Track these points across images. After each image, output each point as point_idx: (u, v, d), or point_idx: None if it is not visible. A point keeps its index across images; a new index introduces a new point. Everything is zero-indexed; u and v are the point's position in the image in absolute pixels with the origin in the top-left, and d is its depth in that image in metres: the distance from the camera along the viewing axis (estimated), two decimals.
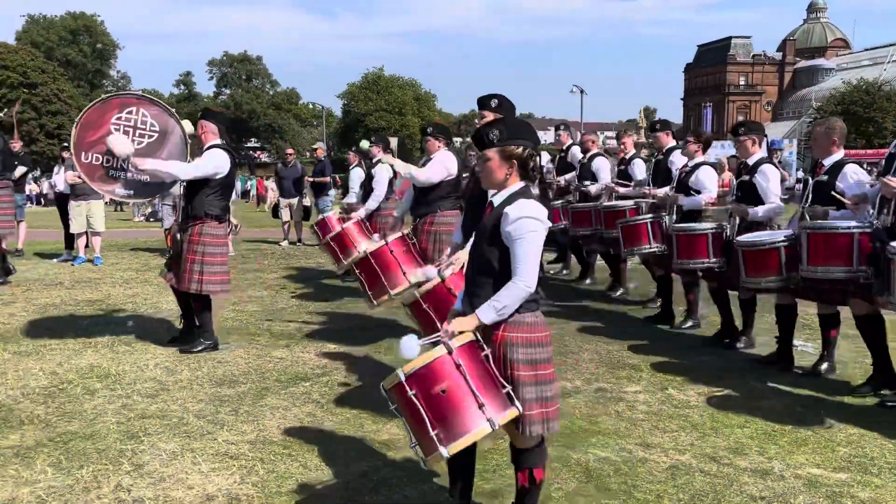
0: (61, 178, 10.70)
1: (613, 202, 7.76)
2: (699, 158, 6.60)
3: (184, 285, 5.75)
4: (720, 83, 77.24)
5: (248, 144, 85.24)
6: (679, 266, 6.20)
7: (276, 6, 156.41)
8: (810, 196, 5.19)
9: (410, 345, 2.82)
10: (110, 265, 10.57)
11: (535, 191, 2.90)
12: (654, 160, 7.70)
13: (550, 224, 2.85)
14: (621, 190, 8.00)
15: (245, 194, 40.84)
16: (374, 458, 3.87)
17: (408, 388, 2.66)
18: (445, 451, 2.60)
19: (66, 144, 11.98)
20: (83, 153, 5.58)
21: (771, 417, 4.48)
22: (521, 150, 2.83)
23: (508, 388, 2.72)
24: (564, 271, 10.09)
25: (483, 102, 4.48)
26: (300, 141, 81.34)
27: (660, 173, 7.30)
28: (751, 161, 5.83)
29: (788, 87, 76.54)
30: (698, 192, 6.45)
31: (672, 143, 7.35)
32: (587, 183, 8.57)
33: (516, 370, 2.77)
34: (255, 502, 3.36)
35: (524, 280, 2.73)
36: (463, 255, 3.89)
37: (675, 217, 6.70)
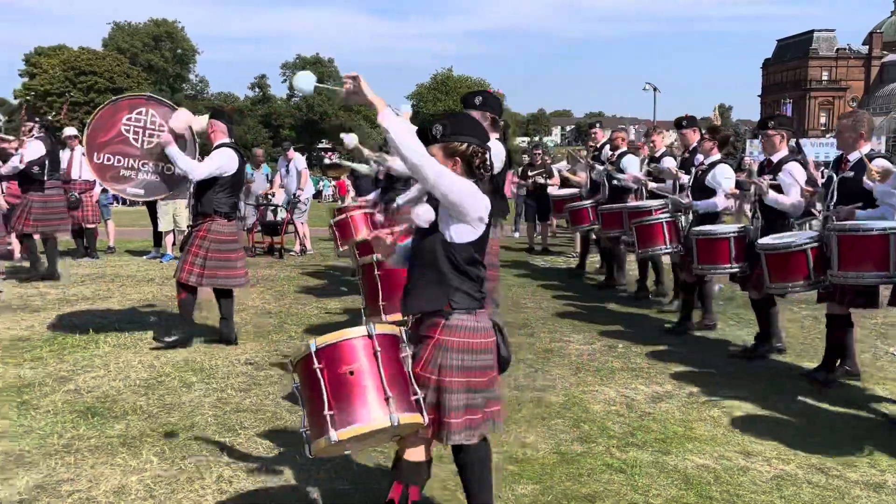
0: None
1: (640, 203, 7.50)
2: (715, 156, 6.34)
3: (182, 276, 5.83)
4: (801, 79, 74.36)
5: (319, 145, 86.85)
6: (699, 272, 5.96)
7: (348, 9, 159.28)
8: (835, 194, 4.87)
9: (307, 79, 2.91)
10: None
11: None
12: (680, 158, 7.47)
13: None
14: (651, 185, 7.74)
15: (318, 194, 41.59)
16: None
17: (315, 361, 2.55)
18: (335, 435, 2.47)
19: None
20: (95, 154, 5.76)
21: (878, 428, 4.26)
22: (465, 146, 2.75)
23: (419, 395, 2.63)
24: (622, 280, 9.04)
25: (467, 100, 4.35)
26: (370, 142, 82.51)
27: (686, 171, 7.06)
28: (775, 158, 5.49)
29: (875, 82, 73.02)
30: (714, 192, 6.21)
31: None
32: (621, 176, 8.32)
33: (447, 376, 2.66)
34: (353, 498, 3.40)
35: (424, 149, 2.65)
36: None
37: (690, 217, 6.47)
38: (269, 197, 12.01)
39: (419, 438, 2.77)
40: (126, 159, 5.72)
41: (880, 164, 4.57)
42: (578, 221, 9.09)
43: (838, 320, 4.97)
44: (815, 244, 4.75)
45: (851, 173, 4.77)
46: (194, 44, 75.55)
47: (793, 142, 5.63)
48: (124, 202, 36.79)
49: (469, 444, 2.76)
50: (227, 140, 5.89)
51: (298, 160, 11.94)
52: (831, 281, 4.56)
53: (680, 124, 7.46)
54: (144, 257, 11.34)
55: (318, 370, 2.53)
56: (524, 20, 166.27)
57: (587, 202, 8.93)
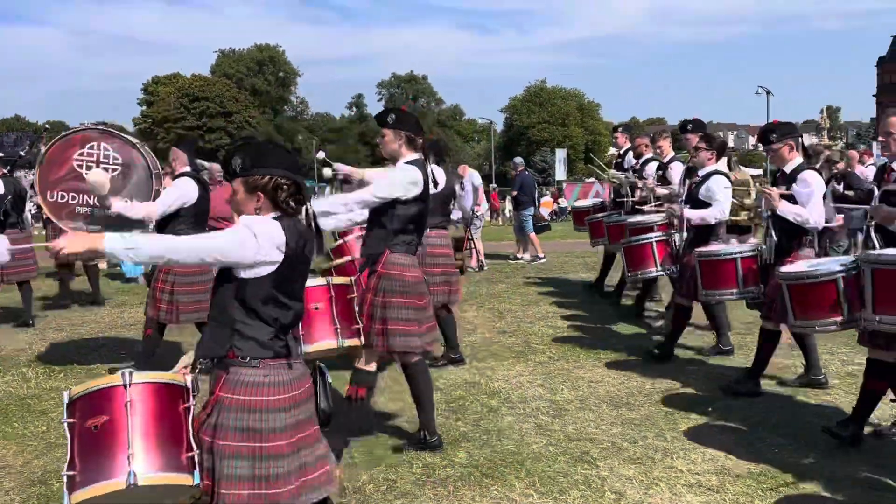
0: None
1: (640, 218, 6.79)
2: (711, 167, 5.69)
3: (149, 312, 5.58)
4: None
5: None
6: (705, 297, 5.36)
7: (437, 26, 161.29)
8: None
9: None
10: None
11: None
12: (686, 166, 6.65)
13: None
14: (659, 190, 6.97)
15: None
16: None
17: (66, 414, 2.34)
18: (68, 499, 2.24)
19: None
20: (48, 192, 5.42)
21: None
22: (266, 179, 2.49)
23: (195, 452, 2.35)
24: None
25: (380, 119, 4.03)
26: (464, 157, 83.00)
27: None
28: (788, 169, 4.85)
29: None
30: (709, 206, 5.57)
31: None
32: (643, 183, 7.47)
33: (221, 439, 2.38)
34: None
35: (169, 240, 2.52)
36: None
37: (685, 235, 5.79)
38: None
39: None
40: (80, 195, 5.40)
41: None
42: (595, 235, 8.28)
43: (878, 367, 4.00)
44: (847, 274, 3.89)
45: None
46: (295, 67, 78.01)
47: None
48: None
49: None
50: (187, 169, 5.63)
51: (474, 176, 11.83)
52: (866, 326, 3.78)
53: (684, 128, 6.70)
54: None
55: (67, 424, 2.33)
56: (613, 29, 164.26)
57: (602, 214, 8.24)
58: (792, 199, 4.77)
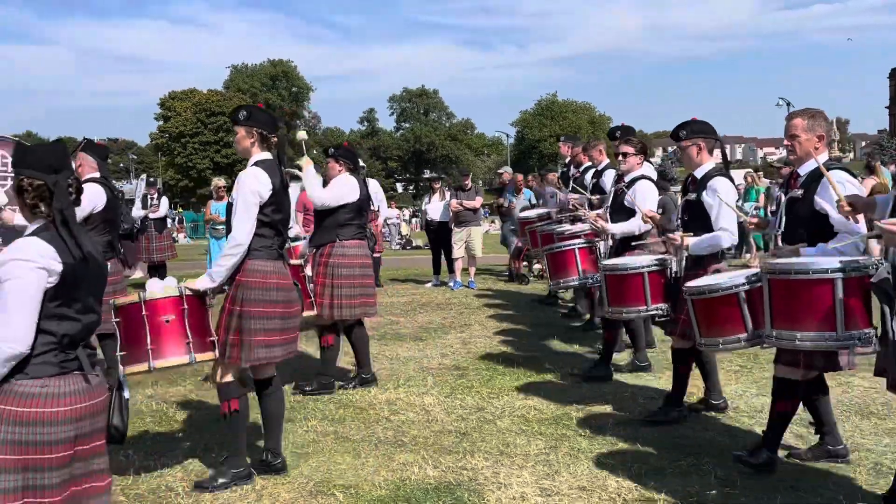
0: (435, 207, 11.23)
1: (565, 227, 6.58)
2: (637, 171, 5.51)
3: None
4: None
5: (424, 175, 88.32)
6: (611, 315, 4.98)
7: (438, 42, 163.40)
8: (783, 220, 3.79)
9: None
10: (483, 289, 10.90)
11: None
12: (617, 173, 6.36)
13: None
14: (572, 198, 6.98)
15: None
16: None
17: None
18: None
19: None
20: None
21: None
22: (25, 182, 2.41)
23: None
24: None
25: (232, 116, 3.99)
26: (475, 170, 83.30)
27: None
28: (698, 174, 4.53)
29: None
30: (634, 213, 5.34)
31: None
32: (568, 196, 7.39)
33: None
34: None
35: (4, 336, 2.24)
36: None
37: (610, 243, 5.61)
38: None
39: None
40: None
41: (840, 178, 3.50)
42: (534, 245, 7.79)
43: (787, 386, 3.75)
44: (751, 287, 3.64)
45: (800, 191, 3.71)
46: (308, 82, 78.39)
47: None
48: None
49: None
50: (95, 175, 5.26)
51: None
52: (766, 343, 3.50)
53: (613, 135, 6.44)
54: (428, 285, 11.31)
55: None
56: (611, 44, 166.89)
57: (541, 223, 7.72)
58: (700, 206, 4.47)
